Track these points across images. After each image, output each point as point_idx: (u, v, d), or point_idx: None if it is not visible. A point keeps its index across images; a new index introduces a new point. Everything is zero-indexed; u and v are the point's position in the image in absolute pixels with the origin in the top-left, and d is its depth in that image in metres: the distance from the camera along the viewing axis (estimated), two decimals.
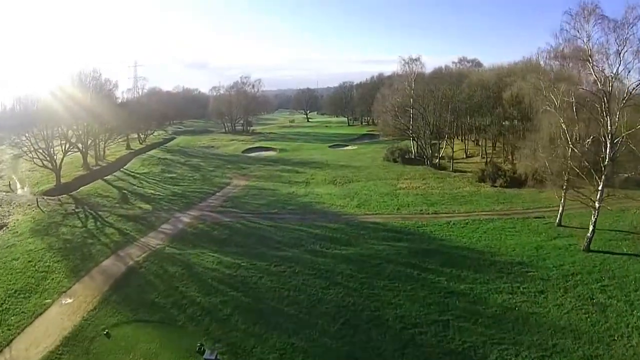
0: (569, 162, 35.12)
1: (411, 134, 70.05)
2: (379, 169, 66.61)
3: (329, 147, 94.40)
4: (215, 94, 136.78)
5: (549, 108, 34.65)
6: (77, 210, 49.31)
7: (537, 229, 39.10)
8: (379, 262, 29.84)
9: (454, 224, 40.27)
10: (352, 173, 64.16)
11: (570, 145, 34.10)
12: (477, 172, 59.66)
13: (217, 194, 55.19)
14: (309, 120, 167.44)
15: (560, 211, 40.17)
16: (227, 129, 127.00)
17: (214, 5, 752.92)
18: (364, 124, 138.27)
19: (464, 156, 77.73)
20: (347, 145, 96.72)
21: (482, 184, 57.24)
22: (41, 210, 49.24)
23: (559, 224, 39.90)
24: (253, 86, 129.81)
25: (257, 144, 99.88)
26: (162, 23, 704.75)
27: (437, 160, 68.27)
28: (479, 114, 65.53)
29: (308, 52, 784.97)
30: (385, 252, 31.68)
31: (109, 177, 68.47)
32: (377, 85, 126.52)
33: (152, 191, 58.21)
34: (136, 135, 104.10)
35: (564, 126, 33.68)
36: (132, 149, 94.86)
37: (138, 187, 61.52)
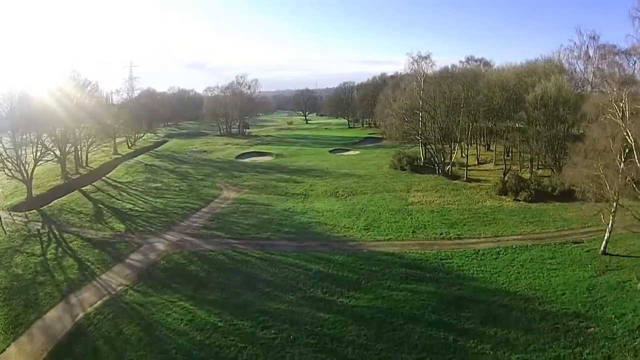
0: (631, 180, 27.80)
1: (420, 139, 62.36)
2: (385, 178, 58.96)
3: (330, 152, 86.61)
4: (209, 94, 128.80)
5: (611, 117, 27.06)
6: (42, 231, 42.21)
7: (580, 260, 31.90)
8: (401, 323, 22.08)
9: (483, 253, 32.80)
10: (356, 183, 56.53)
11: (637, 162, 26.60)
12: (497, 184, 52.23)
13: (203, 209, 47.55)
14: (308, 122, 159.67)
15: (606, 237, 32.99)
16: (222, 131, 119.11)
17: (214, 5, 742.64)
18: (365, 126, 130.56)
19: (476, 163, 70.32)
20: (348, 150, 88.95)
21: (504, 197, 49.95)
22: (3, 230, 41.96)
23: (604, 252, 32.75)
24: (249, 87, 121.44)
25: (252, 149, 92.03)
26: (161, 23, 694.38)
27: (449, 168, 60.78)
28: (498, 117, 57.92)
29: (308, 52, 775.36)
30: (409, 305, 23.91)
31: (87, 187, 60.96)
32: (379, 85, 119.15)
33: (131, 205, 50.66)
34: (126, 139, 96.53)
35: (630, 138, 26.11)
36: (119, 155, 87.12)
37: (117, 199, 54.01)
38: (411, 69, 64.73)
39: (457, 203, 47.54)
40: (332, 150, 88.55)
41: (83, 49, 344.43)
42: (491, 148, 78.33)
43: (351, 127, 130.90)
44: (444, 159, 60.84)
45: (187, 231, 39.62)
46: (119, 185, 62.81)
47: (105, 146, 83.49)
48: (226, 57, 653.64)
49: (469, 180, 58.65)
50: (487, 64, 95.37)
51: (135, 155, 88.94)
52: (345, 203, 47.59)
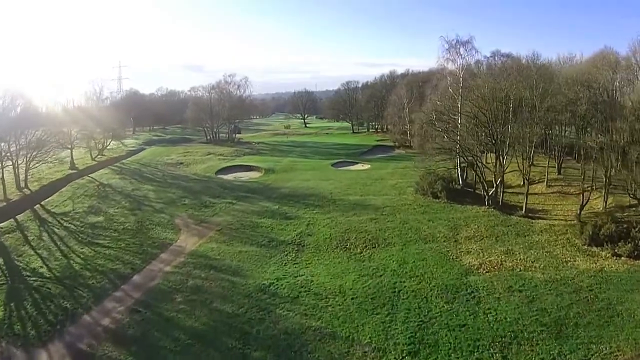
0: None
1: (460, 153, 43.16)
2: (415, 212, 40.01)
3: (332, 165, 67.39)
4: (194, 94, 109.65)
5: None
6: None
7: None
8: None
9: None
10: (375, 223, 37.54)
11: None
12: (583, 228, 33.88)
13: (134, 278, 28.89)
14: (307, 125, 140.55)
15: None
16: (208, 137, 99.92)
17: (212, 6, 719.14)
18: (371, 131, 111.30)
19: (521, 183, 51.76)
20: (356, 163, 69.67)
21: (595, 248, 31.92)
22: None
23: None
24: (239, 87, 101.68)
25: (237, 161, 72.93)
26: (159, 24, 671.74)
27: (501, 195, 42.13)
28: (583, 127, 39.26)
29: (307, 54, 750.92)
30: None
31: (4, 223, 42.17)
32: (388, 86, 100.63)
33: (39, 263, 32.34)
34: (88, 149, 77.36)
35: None
36: (75, 169, 68.01)
37: (29, 247, 35.73)
38: (445, 59, 45.60)
39: (537, 266, 28.98)
40: (336, 163, 69.38)
41: (84, 51, 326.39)
42: (533, 162, 60.22)
43: (355, 132, 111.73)
44: (495, 183, 42.20)
45: (81, 344, 20.87)
46: (49, 219, 44.00)
47: (52, 161, 64.07)
48: (225, 59, 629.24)
49: (529, 214, 40.24)
50: (513, 59, 76.62)
51: (99, 168, 70.05)
52: (363, 268, 28.65)
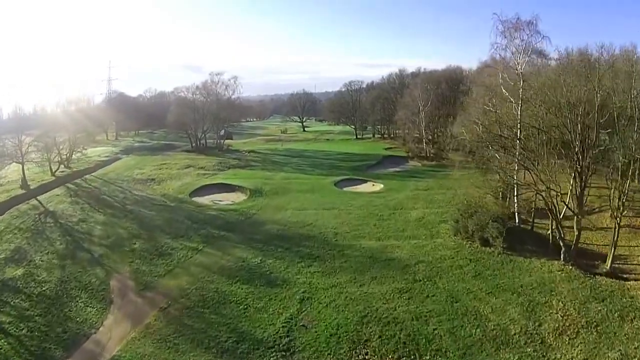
0: None
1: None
2: (464, 275, 26.45)
3: (336, 185, 53.65)
4: (177, 95, 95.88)
5: None
6: None
7: None
8: None
9: None
10: (407, 301, 24.02)
11: None
12: None
13: None
14: (305, 129, 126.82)
15: None
16: (193, 144, 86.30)
17: (210, 7, 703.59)
18: (377, 136, 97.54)
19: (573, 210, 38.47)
20: (365, 182, 55.62)
21: None
22: None
23: None
24: (227, 87, 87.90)
25: (220, 177, 59.26)
26: (158, 24, 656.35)
27: (574, 241, 28.79)
28: None
29: (307, 55, 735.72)
30: None
31: None
32: (397, 86, 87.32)
33: None
34: (48, 162, 63.68)
35: None
36: (26, 188, 54.50)
37: None
38: (499, 47, 31.70)
39: None
40: (340, 181, 55.59)
41: (83, 52, 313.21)
42: (586, 181, 46.83)
43: (359, 138, 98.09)
44: (576, 227, 28.78)
45: None
46: None
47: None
48: (224, 59, 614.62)
49: (614, 271, 27.37)
50: (543, 55, 63.06)
51: (54, 187, 56.53)
52: None
